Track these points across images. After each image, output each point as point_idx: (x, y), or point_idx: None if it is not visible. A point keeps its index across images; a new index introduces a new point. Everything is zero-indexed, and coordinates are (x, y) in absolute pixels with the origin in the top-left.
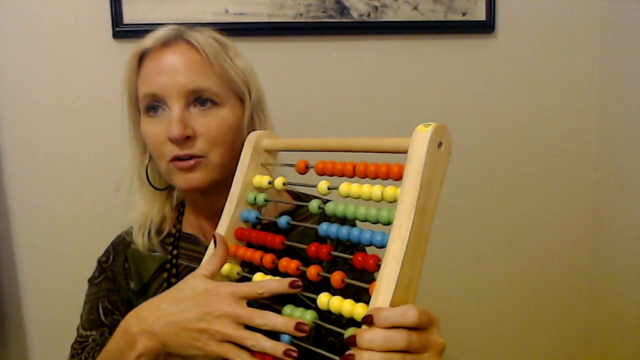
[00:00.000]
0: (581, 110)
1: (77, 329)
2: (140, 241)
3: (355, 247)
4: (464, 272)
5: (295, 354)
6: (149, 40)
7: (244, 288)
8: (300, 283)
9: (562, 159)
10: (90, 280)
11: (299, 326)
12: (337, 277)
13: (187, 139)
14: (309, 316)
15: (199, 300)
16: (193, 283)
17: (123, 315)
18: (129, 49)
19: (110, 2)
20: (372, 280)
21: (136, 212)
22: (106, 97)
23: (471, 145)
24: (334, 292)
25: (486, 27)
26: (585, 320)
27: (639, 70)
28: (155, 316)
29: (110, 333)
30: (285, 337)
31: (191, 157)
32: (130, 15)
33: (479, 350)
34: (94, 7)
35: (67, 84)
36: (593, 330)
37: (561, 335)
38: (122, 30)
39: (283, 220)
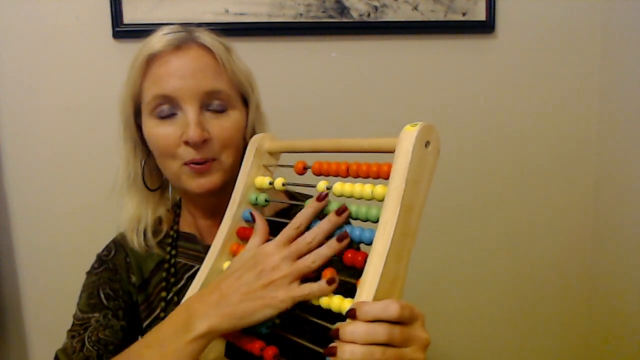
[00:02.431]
0: (581, 110)
1: (74, 315)
2: (136, 243)
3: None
4: (464, 272)
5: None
6: (158, 44)
7: (292, 245)
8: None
9: (562, 158)
10: (89, 272)
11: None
12: (327, 274)
13: (203, 143)
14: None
15: (250, 265)
16: (240, 257)
17: (126, 305)
18: (129, 49)
19: (110, 2)
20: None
21: (128, 214)
22: (106, 97)
23: (471, 145)
24: None
25: (486, 27)
26: (585, 320)
27: (639, 70)
28: (216, 295)
29: (114, 316)
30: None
31: (205, 160)
32: (130, 15)
33: (479, 350)
34: (94, 7)
35: (67, 84)
36: (593, 330)
37: (561, 335)
38: (122, 30)
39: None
